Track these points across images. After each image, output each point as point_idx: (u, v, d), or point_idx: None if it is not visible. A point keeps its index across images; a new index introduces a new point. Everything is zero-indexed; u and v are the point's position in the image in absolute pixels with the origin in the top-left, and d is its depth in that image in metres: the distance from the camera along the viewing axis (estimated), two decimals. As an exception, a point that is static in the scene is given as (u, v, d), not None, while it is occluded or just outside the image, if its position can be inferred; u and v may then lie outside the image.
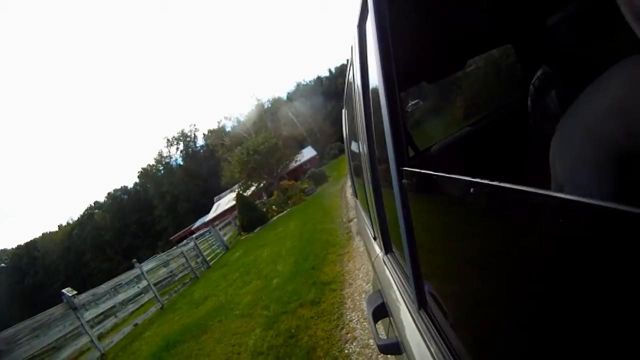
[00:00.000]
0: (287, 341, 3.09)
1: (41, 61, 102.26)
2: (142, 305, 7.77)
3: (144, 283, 7.79)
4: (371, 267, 3.37)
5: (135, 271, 7.81)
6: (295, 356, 2.77)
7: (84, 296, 6.22)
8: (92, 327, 6.18)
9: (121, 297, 7.15)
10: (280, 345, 3.06)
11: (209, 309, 5.70)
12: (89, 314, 6.20)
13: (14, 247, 60.46)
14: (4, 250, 60.33)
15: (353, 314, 3.05)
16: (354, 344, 2.62)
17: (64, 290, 5.80)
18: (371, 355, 2.37)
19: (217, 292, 6.64)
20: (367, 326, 2.76)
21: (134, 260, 8.24)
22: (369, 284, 3.43)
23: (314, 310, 3.48)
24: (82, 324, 5.78)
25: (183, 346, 4.46)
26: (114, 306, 7.20)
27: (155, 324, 6.75)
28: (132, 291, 7.50)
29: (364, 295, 3.29)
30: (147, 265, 8.32)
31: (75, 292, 5.86)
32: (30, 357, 5.27)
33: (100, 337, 6.41)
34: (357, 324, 2.87)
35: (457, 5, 1.23)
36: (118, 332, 6.53)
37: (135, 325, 6.88)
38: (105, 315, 7.61)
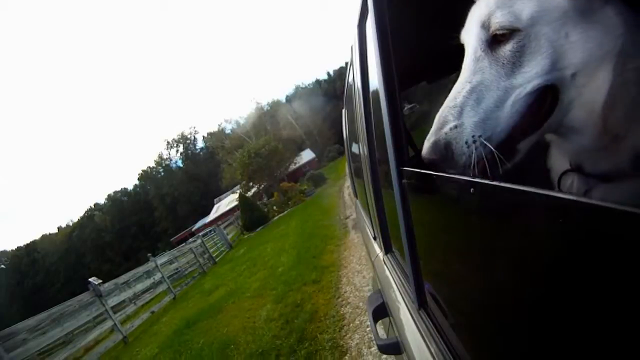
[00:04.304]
0: (294, 309, 3.83)
1: (42, 64, 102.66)
2: (155, 296, 8.45)
3: (158, 276, 8.47)
4: (365, 254, 4.01)
5: (150, 264, 8.51)
6: (301, 318, 3.50)
7: (107, 285, 6.91)
8: (114, 313, 6.82)
9: (139, 287, 7.80)
10: (289, 313, 3.80)
11: (221, 295, 6.38)
12: (112, 301, 6.84)
13: (14, 249, 60.81)
14: (4, 252, 60.58)
15: (347, 287, 3.79)
16: (347, 307, 3.36)
17: (90, 279, 6.46)
18: (360, 313, 3.10)
19: (227, 282, 7.32)
20: (358, 294, 3.50)
21: (149, 254, 8.95)
22: (361, 265, 4.15)
23: (315, 286, 4.23)
24: (106, 310, 6.45)
25: (202, 323, 5.15)
26: (132, 295, 7.82)
27: (171, 311, 7.44)
28: (148, 282, 8.19)
29: (356, 274, 4.03)
30: (160, 260, 9.02)
31: (100, 281, 6.52)
32: (63, 337, 5.94)
33: (121, 322, 7.02)
34: (350, 294, 3.61)
35: (458, 5, 1.50)
36: (137, 318, 7.22)
37: (152, 312, 7.58)
38: (116, 309, 8.19)
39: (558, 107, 0.48)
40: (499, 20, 0.49)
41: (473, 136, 0.48)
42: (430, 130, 0.52)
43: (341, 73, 43.75)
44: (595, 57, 0.45)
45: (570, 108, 0.48)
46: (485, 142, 0.47)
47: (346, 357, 2.60)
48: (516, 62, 0.48)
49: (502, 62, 0.49)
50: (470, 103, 0.50)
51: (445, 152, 0.49)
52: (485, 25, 0.51)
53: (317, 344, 2.92)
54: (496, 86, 0.49)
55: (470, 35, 0.54)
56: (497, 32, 0.49)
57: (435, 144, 0.50)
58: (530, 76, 0.47)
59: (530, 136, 0.50)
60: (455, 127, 0.49)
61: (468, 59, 0.53)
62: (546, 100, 0.48)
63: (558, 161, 0.58)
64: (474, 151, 0.48)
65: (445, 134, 0.50)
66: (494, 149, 0.47)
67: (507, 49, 0.49)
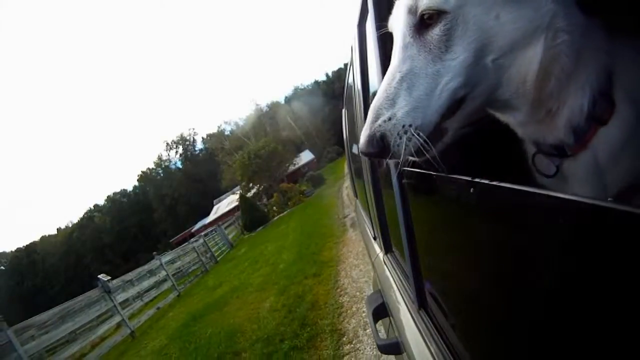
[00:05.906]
0: (296, 300, 4.14)
1: (42, 65, 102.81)
2: (160, 293, 8.75)
3: (163, 273, 8.79)
4: (362, 250, 4.25)
5: (155, 262, 8.81)
6: (303, 307, 3.81)
7: (116, 282, 7.22)
8: (122, 308, 7.10)
9: (144, 284, 8.10)
10: (291, 303, 4.11)
11: (225, 290, 6.68)
12: (120, 298, 7.12)
13: (13, 250, 60.78)
14: (3, 253, 60.54)
15: (345, 280, 4.11)
16: (345, 297, 3.67)
17: (100, 276, 6.74)
18: (356, 301, 3.42)
19: (230, 279, 7.62)
20: (355, 285, 3.81)
21: (154, 252, 9.24)
22: (358, 260, 4.47)
23: (316, 279, 4.55)
24: (115, 305, 6.73)
25: (209, 316, 5.45)
26: (137, 293, 8.11)
27: (176, 307, 7.72)
28: (152, 279, 8.50)
29: (354, 267, 4.35)
30: (164, 258, 9.33)
31: (109, 278, 6.81)
32: (73, 332, 6.24)
33: (128, 318, 7.29)
34: (347, 285, 3.93)
35: None
36: (144, 314, 7.51)
37: (158, 308, 7.88)
38: (122, 305, 8.42)
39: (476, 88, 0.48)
40: (426, 1, 0.48)
41: (404, 126, 0.48)
42: (365, 124, 0.52)
43: (340, 74, 43.88)
44: (526, 34, 0.44)
45: (501, 85, 0.48)
46: (414, 133, 0.47)
47: (344, 339, 2.92)
48: (442, 47, 0.47)
49: (430, 48, 0.48)
50: (402, 93, 0.49)
51: (382, 143, 0.49)
52: (412, 10, 0.50)
53: (318, 328, 3.23)
54: (425, 73, 0.48)
55: (399, 22, 0.52)
56: (425, 14, 0.48)
57: (371, 138, 0.49)
58: (456, 63, 0.47)
59: (455, 114, 0.51)
60: (389, 118, 0.48)
61: (397, 47, 0.52)
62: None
63: (529, 145, 0.58)
64: (406, 141, 0.48)
65: (380, 125, 0.49)
66: (425, 137, 0.47)
67: (435, 33, 0.48)
